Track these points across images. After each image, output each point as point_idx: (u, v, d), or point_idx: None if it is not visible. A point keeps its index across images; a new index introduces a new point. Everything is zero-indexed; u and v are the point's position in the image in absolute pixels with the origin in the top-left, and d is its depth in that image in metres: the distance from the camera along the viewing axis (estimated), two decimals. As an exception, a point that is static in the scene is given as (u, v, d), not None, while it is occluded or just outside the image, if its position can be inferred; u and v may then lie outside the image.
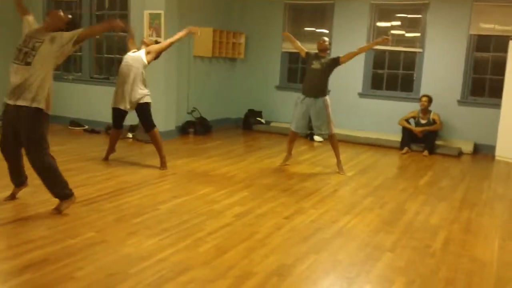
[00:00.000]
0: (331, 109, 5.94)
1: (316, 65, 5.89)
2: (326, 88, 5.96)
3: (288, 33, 6.60)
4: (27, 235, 3.50)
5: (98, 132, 7.93)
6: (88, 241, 3.45)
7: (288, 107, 9.24)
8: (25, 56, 3.83)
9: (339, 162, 6.05)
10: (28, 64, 3.79)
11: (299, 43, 6.27)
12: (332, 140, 6.05)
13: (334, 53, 8.66)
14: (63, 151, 6.42)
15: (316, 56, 5.98)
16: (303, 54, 6.17)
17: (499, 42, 7.69)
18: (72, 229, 3.67)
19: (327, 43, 5.98)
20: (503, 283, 3.14)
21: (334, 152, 6.09)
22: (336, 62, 5.90)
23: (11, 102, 3.85)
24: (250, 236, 3.70)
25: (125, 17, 8.01)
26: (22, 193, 4.45)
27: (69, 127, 8.26)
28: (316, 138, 8.27)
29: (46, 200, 4.28)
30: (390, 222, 4.22)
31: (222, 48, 8.66)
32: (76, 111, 8.51)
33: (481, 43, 7.88)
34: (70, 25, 4.15)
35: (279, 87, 9.38)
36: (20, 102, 3.80)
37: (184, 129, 8.16)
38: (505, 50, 7.32)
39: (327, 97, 5.93)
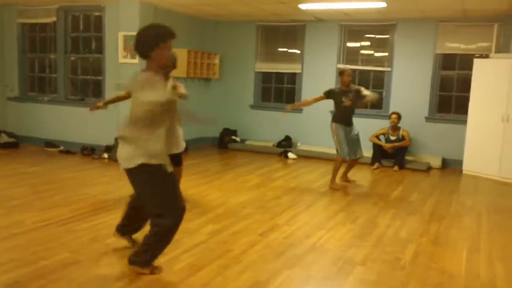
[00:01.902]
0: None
1: (346, 102, 6.22)
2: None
3: (291, 106, 6.87)
4: None
5: (73, 153, 7.91)
6: (62, 262, 3.45)
7: (262, 126, 9.42)
8: None
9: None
10: None
11: (311, 99, 6.53)
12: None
13: (305, 73, 8.96)
14: (38, 172, 6.42)
15: (342, 92, 6.24)
16: (323, 98, 6.36)
17: (464, 61, 7.97)
18: (46, 250, 3.66)
19: (351, 78, 6.26)
20: (470, 294, 3.25)
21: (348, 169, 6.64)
22: (358, 93, 6.22)
23: None
24: (224, 254, 3.75)
25: (99, 39, 8.07)
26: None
27: (44, 148, 8.22)
28: (290, 155, 8.40)
29: (19, 221, 4.28)
30: (362, 236, 4.32)
31: (197, 69, 8.76)
32: (51, 132, 8.48)
33: (447, 61, 8.17)
34: None
35: (253, 106, 9.51)
36: None
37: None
38: (469, 68, 7.58)
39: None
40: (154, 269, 3.31)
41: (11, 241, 3.84)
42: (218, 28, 9.55)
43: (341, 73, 6.28)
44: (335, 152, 8.23)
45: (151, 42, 3.00)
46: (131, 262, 3.29)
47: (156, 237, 3.19)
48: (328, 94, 6.32)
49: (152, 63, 3.04)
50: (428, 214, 5.19)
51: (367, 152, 8.03)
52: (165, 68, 3.15)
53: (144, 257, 3.25)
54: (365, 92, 6.19)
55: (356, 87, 6.33)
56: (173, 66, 4.17)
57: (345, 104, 6.21)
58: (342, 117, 6.28)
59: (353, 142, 6.36)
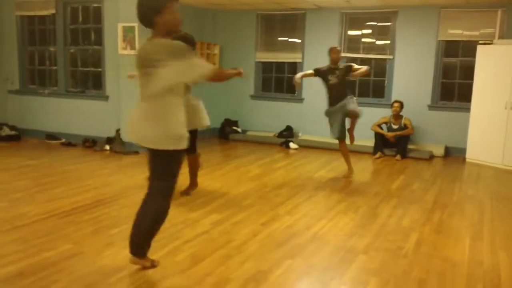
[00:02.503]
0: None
1: (333, 80, 6.13)
2: (347, 90, 6.22)
3: (296, 81, 6.35)
4: (2, 250, 3.49)
5: (74, 145, 7.92)
6: (65, 253, 3.46)
7: (263, 116, 9.40)
8: None
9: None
10: None
11: (304, 73, 6.48)
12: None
13: (306, 62, 8.91)
14: (40, 165, 6.43)
15: (330, 70, 6.17)
16: (313, 75, 6.33)
17: (467, 47, 7.92)
18: (48, 242, 3.67)
19: (340, 54, 6.21)
20: (473, 282, 3.23)
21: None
22: (349, 70, 6.17)
23: None
24: (226, 244, 3.75)
25: (99, 30, 8.03)
26: (-3, 208, 4.45)
27: (46, 140, 8.23)
28: (292, 145, 8.38)
29: (21, 214, 4.29)
30: (364, 226, 4.32)
31: (197, 59, 8.71)
32: (52, 125, 8.48)
33: (450, 48, 8.11)
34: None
35: (254, 97, 9.48)
36: None
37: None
38: (473, 55, 7.53)
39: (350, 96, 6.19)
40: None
41: (14, 233, 3.85)
42: (218, 18, 9.50)
43: (329, 50, 6.19)
44: (336, 141, 8.27)
45: (154, 7, 2.89)
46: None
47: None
48: (317, 72, 6.26)
49: (158, 29, 2.93)
50: (431, 202, 5.18)
51: (369, 141, 8.04)
52: (172, 33, 2.99)
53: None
54: (356, 66, 6.17)
55: (347, 64, 6.30)
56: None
57: (332, 82, 6.13)
58: (330, 98, 6.21)
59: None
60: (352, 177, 6.27)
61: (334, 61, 6.14)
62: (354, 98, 6.23)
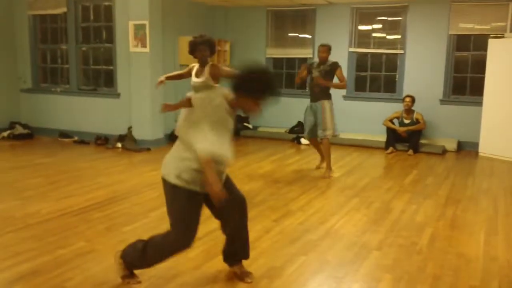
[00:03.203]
0: (331, 113, 6.11)
1: (315, 73, 6.08)
2: (326, 92, 6.11)
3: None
4: (16, 248, 3.52)
5: (87, 143, 7.96)
6: (78, 251, 3.48)
7: (274, 112, 9.33)
8: None
9: (327, 165, 6.14)
10: None
11: (301, 75, 6.32)
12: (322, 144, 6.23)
13: (316, 58, 8.84)
14: (53, 163, 6.48)
15: (317, 65, 6.12)
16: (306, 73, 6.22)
17: (478, 41, 7.85)
18: (62, 239, 3.69)
19: (325, 54, 6.10)
20: (489, 278, 3.20)
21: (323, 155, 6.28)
22: (335, 68, 6.09)
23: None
24: (239, 240, 3.75)
25: (110, 28, 8.06)
26: (9, 205, 4.48)
27: (59, 138, 8.28)
28: (303, 141, 8.36)
29: (35, 212, 4.32)
30: (377, 221, 4.29)
31: (208, 56, 8.71)
32: (65, 123, 8.54)
33: (461, 42, 8.03)
34: None
35: (265, 92, 9.45)
36: None
37: (172, 137, 8.20)
38: (484, 48, 7.46)
39: (326, 101, 6.09)
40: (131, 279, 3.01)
41: (27, 231, 3.88)
42: (228, 15, 9.49)
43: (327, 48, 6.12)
44: (347, 137, 8.23)
45: (245, 86, 2.76)
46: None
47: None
48: (308, 69, 6.19)
49: (237, 99, 2.78)
50: (444, 197, 5.13)
51: (381, 136, 7.99)
52: (245, 113, 2.91)
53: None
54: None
55: (333, 61, 6.14)
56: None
57: (313, 75, 6.09)
58: (310, 92, 6.25)
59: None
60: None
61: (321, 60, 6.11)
62: (326, 104, 6.09)
